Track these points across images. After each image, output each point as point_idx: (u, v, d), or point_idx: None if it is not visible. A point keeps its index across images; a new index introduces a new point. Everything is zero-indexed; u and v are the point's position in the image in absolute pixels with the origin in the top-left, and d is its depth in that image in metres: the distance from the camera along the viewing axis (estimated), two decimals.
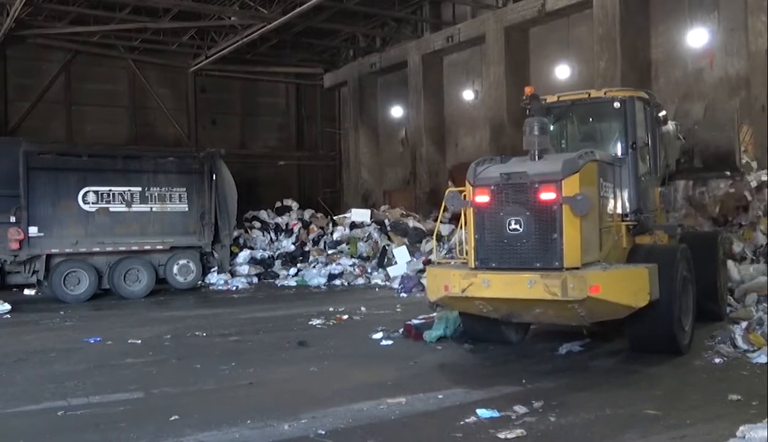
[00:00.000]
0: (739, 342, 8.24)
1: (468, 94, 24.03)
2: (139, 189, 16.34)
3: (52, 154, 15.91)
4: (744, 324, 8.78)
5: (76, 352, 9.48)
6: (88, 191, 15.74)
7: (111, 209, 15.98)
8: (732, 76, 16.28)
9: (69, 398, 6.90)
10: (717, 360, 7.82)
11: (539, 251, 7.33)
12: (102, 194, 15.90)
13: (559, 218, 7.23)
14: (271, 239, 21.07)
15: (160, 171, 16.74)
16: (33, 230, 15.03)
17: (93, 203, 15.80)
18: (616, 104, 8.72)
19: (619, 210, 8.38)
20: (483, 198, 7.69)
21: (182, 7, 20.98)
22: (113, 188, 16.04)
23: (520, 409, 6.05)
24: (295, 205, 23.18)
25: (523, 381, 7.11)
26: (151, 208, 16.48)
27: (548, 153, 7.85)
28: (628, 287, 7.30)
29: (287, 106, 30.73)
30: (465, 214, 8.13)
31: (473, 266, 7.75)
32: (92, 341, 10.21)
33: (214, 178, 17.32)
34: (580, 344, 8.66)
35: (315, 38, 26.38)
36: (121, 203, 16.10)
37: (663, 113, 9.37)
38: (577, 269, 7.14)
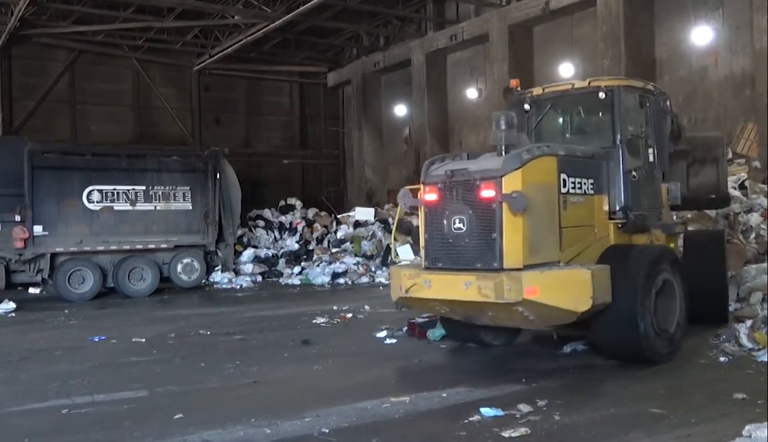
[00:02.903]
0: (744, 341, 8.21)
1: (472, 93, 24.02)
2: (143, 188, 16.36)
3: (56, 153, 15.91)
4: (749, 322, 8.75)
5: (80, 350, 9.50)
6: (92, 190, 15.76)
7: (115, 208, 16.00)
8: (737, 74, 16.25)
9: (73, 397, 6.90)
10: (722, 359, 7.79)
11: (480, 251, 7.07)
12: (106, 193, 15.92)
13: (499, 217, 6.92)
14: (274, 237, 21.08)
15: (164, 170, 16.76)
16: (38, 229, 15.06)
17: (97, 202, 15.82)
18: (601, 95, 8.23)
19: (605, 207, 8.00)
20: (431, 196, 7.50)
21: (186, 6, 21.00)
22: (117, 187, 16.06)
23: (525, 408, 6.04)
24: (298, 203, 23.19)
25: (527, 380, 7.08)
26: (155, 206, 16.50)
27: (515, 149, 7.40)
28: (568, 290, 6.91)
29: (291, 105, 30.74)
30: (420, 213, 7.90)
31: (424, 265, 7.60)
32: (97, 340, 10.23)
33: (218, 176, 17.33)
34: (585, 343, 8.63)
35: (319, 37, 26.40)
36: (126, 202, 16.12)
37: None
38: (519, 270, 6.81)
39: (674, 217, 13.07)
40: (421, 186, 7.67)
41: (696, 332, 8.77)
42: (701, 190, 10.06)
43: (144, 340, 10.10)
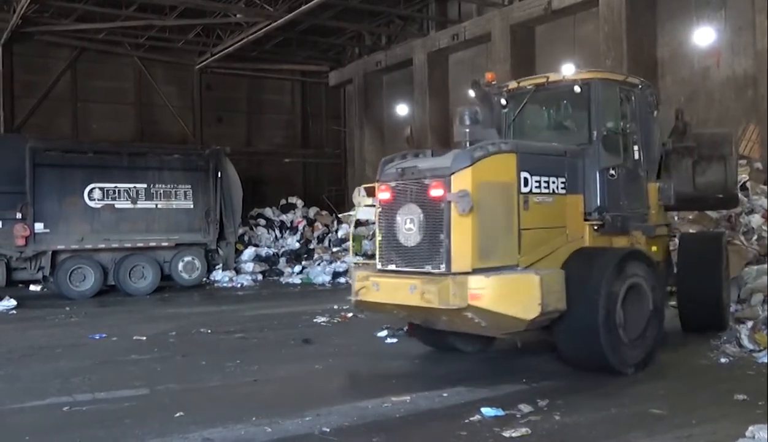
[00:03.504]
0: (745, 342, 8.23)
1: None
2: (145, 186, 16.38)
3: (58, 151, 15.94)
4: (750, 324, 8.75)
5: (81, 348, 9.51)
6: (93, 188, 15.79)
7: (116, 206, 16.03)
8: (739, 75, 16.22)
9: (74, 394, 6.91)
10: (723, 360, 7.80)
11: (429, 253, 6.77)
12: (107, 191, 15.94)
13: (447, 218, 6.60)
14: (275, 236, 21.10)
15: (166, 168, 16.78)
16: (39, 227, 15.09)
17: (98, 200, 15.84)
18: (577, 88, 7.79)
19: (580, 208, 7.63)
20: (384, 195, 7.25)
21: (188, 4, 20.98)
22: (119, 185, 16.08)
23: (525, 408, 6.04)
24: (300, 202, 23.20)
25: (528, 380, 7.08)
26: (157, 205, 16.52)
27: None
28: (514, 296, 6.52)
29: (292, 103, 30.72)
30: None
31: (378, 267, 7.36)
32: (97, 338, 10.24)
33: (219, 175, 17.35)
34: None
35: (320, 36, 26.37)
36: (127, 200, 16.15)
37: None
38: (467, 274, 6.47)
39: (675, 218, 12.98)
40: (377, 185, 7.43)
41: (693, 336, 8.78)
42: (708, 190, 9.59)
43: (145, 338, 10.10)
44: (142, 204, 16.33)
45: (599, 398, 6.44)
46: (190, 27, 24.38)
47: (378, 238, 7.44)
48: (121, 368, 8.22)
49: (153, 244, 16.35)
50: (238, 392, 7.02)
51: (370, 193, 7.58)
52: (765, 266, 10.95)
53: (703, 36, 16.63)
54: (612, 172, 7.77)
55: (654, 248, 8.50)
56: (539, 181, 7.17)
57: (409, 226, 6.94)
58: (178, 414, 6.11)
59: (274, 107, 30.12)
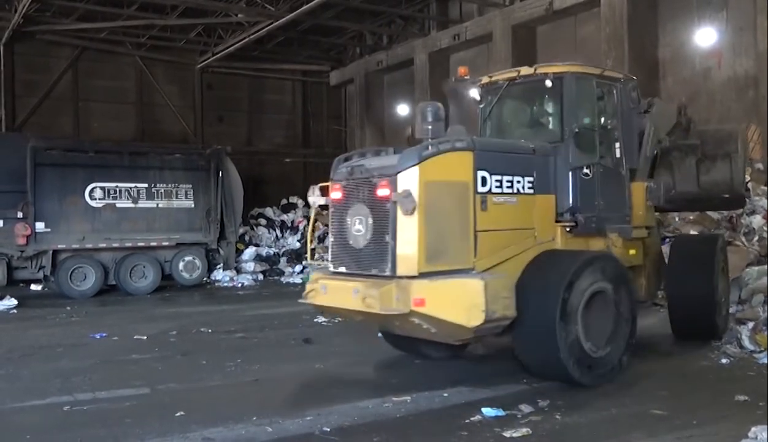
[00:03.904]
0: (746, 343, 8.23)
1: (475, 93, 23.95)
2: (146, 185, 16.37)
3: (59, 150, 15.92)
4: (751, 324, 8.75)
5: (82, 347, 9.51)
6: (94, 187, 15.78)
7: (117, 205, 16.02)
8: (740, 75, 16.21)
9: (75, 394, 6.92)
10: (723, 361, 7.80)
11: (376, 255, 6.51)
12: (108, 190, 15.93)
13: (393, 218, 6.32)
14: (276, 236, 21.09)
15: (167, 168, 16.77)
16: (40, 226, 15.09)
17: (99, 199, 15.83)
18: (548, 83, 7.48)
19: (552, 208, 7.33)
20: (336, 194, 7.03)
21: (189, 3, 20.98)
22: (120, 184, 16.07)
23: (526, 408, 6.05)
24: (300, 202, 23.17)
25: (528, 380, 7.07)
26: (158, 204, 16.51)
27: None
28: (457, 302, 6.22)
29: (294, 103, 30.71)
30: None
31: (330, 269, 7.14)
32: (98, 337, 10.24)
33: (220, 175, 17.35)
34: None
35: (322, 36, 26.37)
36: (128, 199, 16.14)
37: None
38: (413, 277, 6.21)
39: (676, 219, 12.92)
40: (330, 184, 7.23)
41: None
42: (713, 189, 9.31)
43: (145, 337, 10.11)
44: (143, 203, 16.32)
45: (600, 399, 6.44)
46: (192, 26, 24.37)
47: (330, 238, 7.23)
48: (122, 367, 8.22)
49: (154, 243, 16.35)
50: (239, 391, 7.03)
51: (325, 192, 7.37)
52: (765, 266, 10.94)
53: (705, 36, 16.63)
54: (586, 171, 7.46)
55: (632, 251, 8.09)
56: (500, 181, 6.85)
57: (358, 227, 6.71)
58: (178, 414, 6.12)
59: (275, 107, 30.10)
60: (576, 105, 7.54)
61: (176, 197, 16.76)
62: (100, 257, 15.83)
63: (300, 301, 7.35)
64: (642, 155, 8.38)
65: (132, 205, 16.17)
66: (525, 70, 7.88)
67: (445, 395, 6.62)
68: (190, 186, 16.92)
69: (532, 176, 7.14)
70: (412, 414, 6.10)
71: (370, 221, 6.59)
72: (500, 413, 5.92)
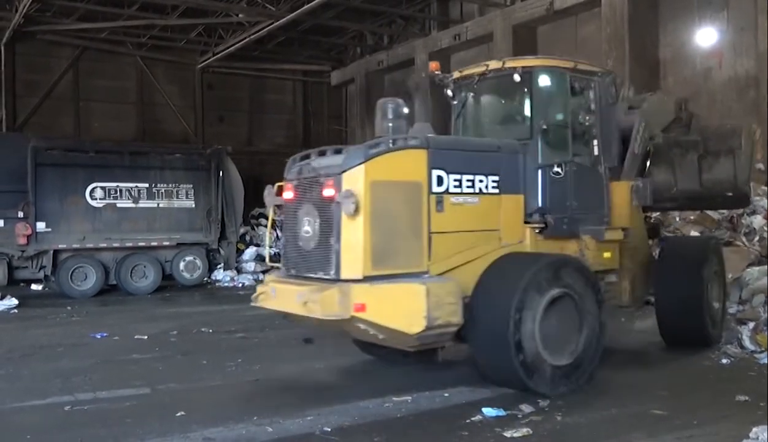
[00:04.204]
0: (747, 343, 8.22)
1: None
2: (146, 185, 16.37)
3: (59, 150, 15.93)
4: (751, 325, 8.75)
5: (82, 347, 9.51)
6: (95, 187, 15.79)
7: (118, 205, 16.02)
8: (741, 75, 16.20)
9: (76, 393, 6.92)
10: (724, 361, 7.79)
11: (323, 257, 6.27)
12: (109, 190, 15.94)
13: (337, 220, 6.08)
14: (277, 236, 21.06)
15: (167, 167, 16.78)
16: (40, 226, 15.10)
17: (100, 199, 15.84)
18: (516, 77, 7.18)
19: (520, 209, 7.03)
20: (288, 194, 6.83)
21: (190, 3, 20.98)
22: (120, 184, 16.08)
23: (526, 408, 6.05)
24: None
25: None
26: (158, 204, 16.52)
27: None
28: (398, 308, 5.96)
29: (294, 103, 30.71)
30: None
31: (282, 271, 6.98)
32: (99, 337, 10.25)
33: (220, 175, 17.36)
34: None
35: (322, 36, 26.37)
36: (128, 199, 16.14)
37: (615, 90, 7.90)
38: (358, 281, 5.95)
39: (677, 219, 12.86)
40: (283, 183, 7.07)
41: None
42: (716, 187, 9.02)
43: (146, 337, 10.11)
44: (144, 203, 16.32)
45: (600, 399, 6.43)
46: (192, 26, 24.38)
47: (283, 240, 7.06)
48: (123, 367, 8.22)
49: (154, 243, 16.35)
50: (239, 391, 7.03)
51: (280, 192, 7.12)
52: (766, 267, 10.94)
53: (706, 36, 16.62)
54: (557, 169, 7.14)
55: (606, 254, 7.66)
56: (460, 180, 6.54)
57: (307, 228, 6.48)
58: (179, 413, 6.12)
59: (276, 107, 30.11)
60: (546, 100, 7.29)
61: (177, 197, 16.76)
62: (101, 257, 15.84)
63: (252, 304, 7.18)
64: (629, 153, 8.09)
65: (133, 205, 16.17)
66: (494, 64, 7.58)
67: (446, 395, 6.61)
68: (191, 186, 16.93)
69: (498, 175, 6.85)
70: (413, 414, 6.09)
71: (318, 222, 6.37)
72: (501, 413, 5.92)
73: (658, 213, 14.15)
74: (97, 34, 24.64)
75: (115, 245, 15.87)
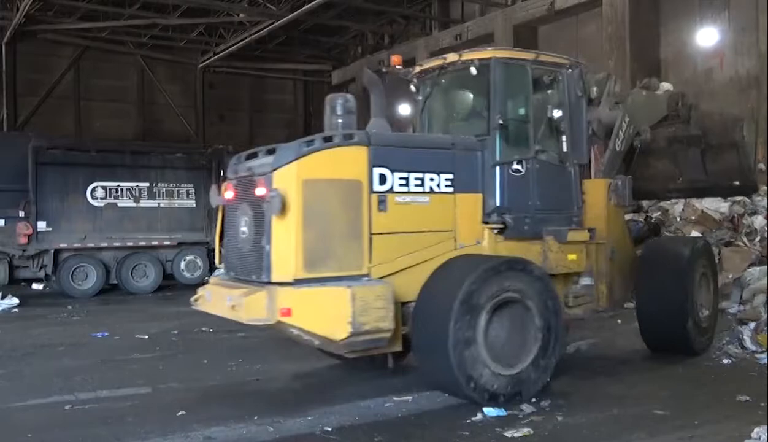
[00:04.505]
0: (748, 343, 8.22)
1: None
2: (147, 185, 16.38)
3: (60, 149, 15.94)
4: (752, 325, 8.74)
5: (83, 346, 9.51)
6: (96, 186, 15.79)
7: (119, 205, 16.03)
8: (742, 75, 16.20)
9: (76, 393, 6.92)
10: (725, 361, 7.78)
11: (256, 259, 5.98)
12: (110, 190, 15.95)
13: (268, 220, 5.80)
14: None
15: (168, 167, 16.79)
16: (41, 225, 15.11)
17: (101, 198, 15.84)
18: (473, 70, 6.86)
19: (478, 209, 6.70)
20: (228, 194, 6.54)
21: (191, 3, 21.02)
22: (121, 184, 16.08)
23: (527, 408, 6.04)
24: None
25: None
26: (159, 204, 16.52)
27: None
28: (323, 313, 5.69)
29: (295, 102, 30.74)
30: None
31: (223, 273, 6.77)
32: (99, 336, 10.25)
33: (221, 174, 17.34)
34: (589, 343, 8.63)
35: (323, 35, 26.40)
36: (129, 199, 16.14)
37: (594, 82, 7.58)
38: (288, 284, 5.69)
39: (678, 219, 12.82)
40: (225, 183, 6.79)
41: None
42: (722, 177, 8.80)
43: (147, 337, 10.11)
44: (145, 203, 16.33)
45: (601, 399, 6.42)
46: (193, 26, 24.41)
47: (225, 240, 6.79)
48: (123, 366, 8.22)
49: (155, 243, 16.36)
50: (240, 391, 7.03)
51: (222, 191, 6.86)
52: (767, 267, 10.94)
53: (707, 37, 16.62)
54: (517, 166, 6.79)
55: (571, 256, 7.13)
56: (406, 179, 6.23)
57: (243, 229, 6.21)
58: (180, 413, 6.11)
59: (277, 106, 30.14)
60: (503, 94, 6.89)
61: (178, 197, 16.77)
62: (102, 256, 15.85)
63: (193, 307, 7.03)
64: (610, 149, 7.76)
65: (133, 204, 16.18)
66: (452, 57, 7.23)
67: (447, 394, 6.60)
68: (192, 185, 16.93)
69: (452, 173, 6.52)
70: (414, 414, 6.08)
71: (252, 223, 6.09)
72: (502, 412, 5.91)
73: (659, 213, 14.18)
74: (99, 34, 24.67)
75: (116, 244, 15.88)
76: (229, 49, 24.73)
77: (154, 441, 5.46)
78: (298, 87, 30.76)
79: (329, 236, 5.88)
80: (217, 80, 28.18)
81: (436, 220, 6.47)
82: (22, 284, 16.02)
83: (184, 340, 9.93)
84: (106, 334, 10.36)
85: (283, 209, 5.67)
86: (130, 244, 16.03)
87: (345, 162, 6.02)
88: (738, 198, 13.02)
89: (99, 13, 22.64)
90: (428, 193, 6.38)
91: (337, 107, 6.40)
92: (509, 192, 6.74)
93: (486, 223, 6.74)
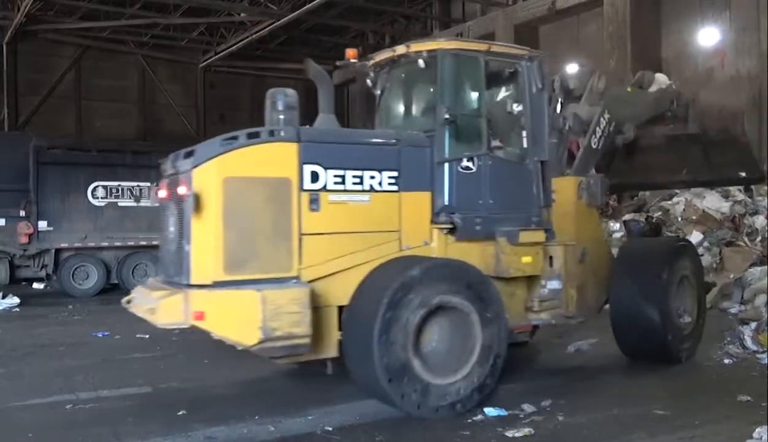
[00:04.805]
0: (749, 343, 8.22)
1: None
2: (148, 184, 16.35)
3: (61, 148, 15.97)
4: (753, 325, 8.74)
5: (84, 346, 9.52)
6: (97, 186, 15.80)
7: (120, 204, 16.04)
8: (743, 75, 16.17)
9: (77, 392, 6.92)
10: (726, 361, 7.78)
11: (178, 260, 5.77)
12: (111, 189, 15.95)
13: (187, 220, 5.56)
14: None
15: None
16: (42, 225, 15.12)
17: (102, 198, 15.85)
18: (421, 63, 6.61)
19: (426, 208, 6.38)
20: (162, 193, 6.28)
21: (192, 3, 21.02)
22: (122, 183, 16.09)
23: (528, 408, 6.04)
24: None
25: (530, 380, 7.08)
26: None
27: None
28: (233, 317, 5.41)
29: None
30: None
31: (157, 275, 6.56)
32: (100, 336, 10.26)
33: None
34: (589, 343, 8.62)
35: (324, 35, 26.38)
36: (130, 198, 16.13)
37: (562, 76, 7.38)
38: (208, 287, 5.44)
39: (679, 219, 12.81)
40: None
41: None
42: (729, 170, 8.64)
43: (148, 336, 10.09)
44: (146, 202, 16.29)
45: (602, 399, 6.43)
46: (194, 26, 24.41)
47: (160, 241, 6.63)
48: (124, 366, 8.22)
49: (156, 242, 16.32)
50: (241, 390, 7.03)
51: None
52: (767, 267, 10.95)
53: (708, 36, 16.61)
54: (467, 163, 6.44)
55: (525, 259, 6.66)
56: (342, 177, 5.94)
57: (171, 229, 5.98)
58: (180, 412, 6.11)
59: None
60: (452, 87, 6.56)
61: None
62: (103, 256, 15.86)
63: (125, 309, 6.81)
64: (585, 146, 7.51)
65: (134, 203, 16.16)
66: (401, 49, 6.91)
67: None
68: None
69: (396, 171, 6.20)
70: None
71: (177, 222, 5.86)
72: (502, 412, 5.91)
73: (659, 213, 14.18)
74: (99, 33, 24.67)
75: (117, 243, 15.89)
76: (229, 49, 24.73)
77: (155, 441, 5.46)
78: (298, 87, 30.54)
79: (253, 237, 5.61)
80: (218, 80, 28.18)
81: (378, 220, 6.17)
82: (23, 283, 16.02)
83: (185, 339, 9.90)
84: (106, 333, 10.36)
85: (198, 208, 5.44)
86: (130, 243, 16.02)
87: (271, 159, 5.76)
88: (739, 198, 13.06)
89: (100, 12, 22.64)
90: (368, 191, 6.08)
91: (278, 103, 6.13)
92: (458, 190, 6.41)
93: (435, 223, 6.42)
